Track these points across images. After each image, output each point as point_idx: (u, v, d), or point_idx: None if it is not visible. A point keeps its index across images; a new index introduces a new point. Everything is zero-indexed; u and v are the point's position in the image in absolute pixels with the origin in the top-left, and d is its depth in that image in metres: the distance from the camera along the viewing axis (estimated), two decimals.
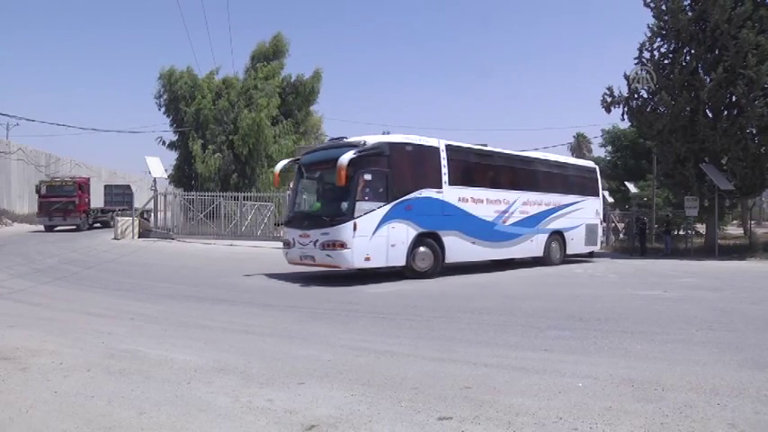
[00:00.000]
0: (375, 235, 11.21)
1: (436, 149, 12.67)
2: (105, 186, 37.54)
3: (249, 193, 26.64)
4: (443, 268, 12.69)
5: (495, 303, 9.05)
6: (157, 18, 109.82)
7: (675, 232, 25.71)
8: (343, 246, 10.92)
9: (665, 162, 22.74)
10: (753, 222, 29.45)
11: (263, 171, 30.25)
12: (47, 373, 4.55)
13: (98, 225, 30.54)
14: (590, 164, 18.95)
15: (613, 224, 29.19)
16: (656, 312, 8.11)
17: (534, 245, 15.10)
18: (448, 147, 12.92)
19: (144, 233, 23.77)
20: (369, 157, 11.38)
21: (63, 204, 27.10)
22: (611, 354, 5.48)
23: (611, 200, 31.35)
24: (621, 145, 36.06)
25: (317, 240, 11.23)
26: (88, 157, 51.87)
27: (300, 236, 11.71)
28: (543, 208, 15.25)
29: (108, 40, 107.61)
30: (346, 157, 10.82)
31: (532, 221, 14.88)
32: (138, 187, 41.88)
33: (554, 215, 15.59)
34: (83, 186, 28.48)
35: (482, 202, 13.52)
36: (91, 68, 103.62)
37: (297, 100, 32.83)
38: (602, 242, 20.49)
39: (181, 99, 30.34)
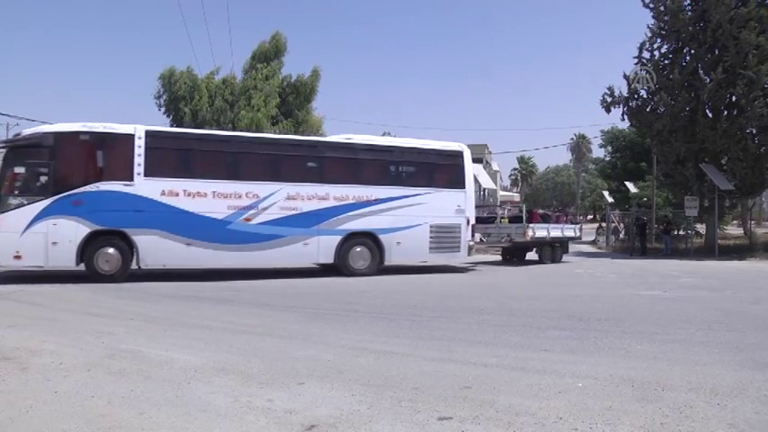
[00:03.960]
0: (28, 232, 10.37)
1: (129, 137, 11.19)
2: None
3: None
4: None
5: (494, 303, 9.05)
6: (157, 18, 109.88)
7: (675, 232, 25.72)
8: None
9: (665, 162, 22.77)
10: (753, 222, 29.45)
11: None
12: (47, 373, 4.54)
13: None
14: (452, 146, 14.79)
15: (613, 224, 29.22)
16: (656, 312, 8.11)
17: (312, 249, 12.38)
18: (149, 133, 11.45)
19: None
20: (20, 148, 10.81)
21: None
22: (611, 354, 5.48)
23: (610, 200, 31.36)
24: (621, 145, 36.10)
25: None
26: None
27: None
28: (331, 203, 12.53)
29: (108, 40, 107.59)
30: None
31: (308, 220, 12.29)
32: None
33: (355, 212, 12.73)
34: None
35: (205, 195, 11.54)
36: (91, 68, 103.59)
37: (297, 100, 32.77)
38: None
39: (180, 99, 30.30)
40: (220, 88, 30.99)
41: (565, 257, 18.68)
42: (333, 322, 7.21)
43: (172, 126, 31.82)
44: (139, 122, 11.73)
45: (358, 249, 12.83)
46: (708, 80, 20.04)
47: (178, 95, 30.63)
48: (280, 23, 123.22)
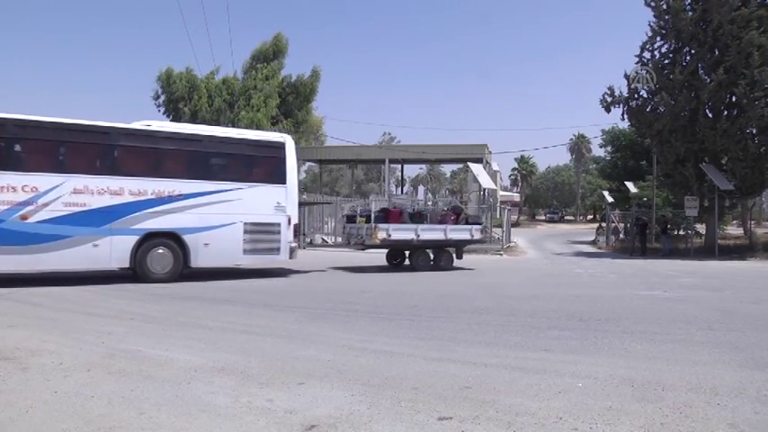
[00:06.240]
0: None
1: None
2: None
3: None
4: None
5: (494, 303, 9.05)
6: (157, 18, 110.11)
7: (675, 232, 25.72)
8: None
9: (665, 162, 22.78)
10: (753, 222, 29.48)
11: None
12: (47, 373, 4.54)
13: None
14: (272, 137, 13.47)
15: (613, 224, 29.22)
16: (657, 312, 8.11)
17: (104, 251, 10.75)
18: None
19: None
20: None
21: None
22: (611, 354, 5.48)
23: (610, 200, 31.37)
24: (621, 145, 36.08)
25: None
26: None
27: None
28: (126, 198, 11.00)
29: (108, 40, 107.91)
30: None
31: (98, 217, 10.71)
32: None
33: (156, 209, 11.21)
34: None
35: None
36: (91, 68, 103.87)
37: (297, 100, 32.82)
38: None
39: (179, 99, 30.33)
40: (220, 88, 30.98)
41: (565, 258, 18.45)
42: (333, 322, 7.21)
43: None
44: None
45: (159, 251, 11.29)
46: (708, 80, 20.04)
47: (176, 96, 30.66)
48: (280, 24, 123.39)
